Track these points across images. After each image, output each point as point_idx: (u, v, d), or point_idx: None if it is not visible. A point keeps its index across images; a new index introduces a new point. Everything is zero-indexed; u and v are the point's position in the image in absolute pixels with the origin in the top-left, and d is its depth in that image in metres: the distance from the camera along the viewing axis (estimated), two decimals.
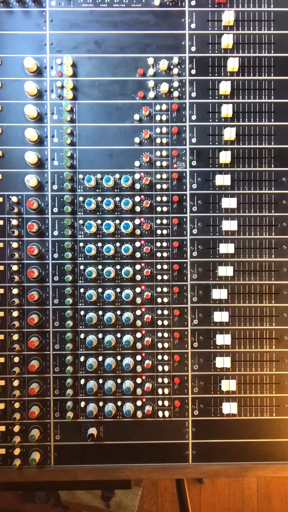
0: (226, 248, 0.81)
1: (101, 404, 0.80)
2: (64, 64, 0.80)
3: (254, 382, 0.82)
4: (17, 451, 0.79)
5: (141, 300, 0.81)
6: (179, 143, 0.81)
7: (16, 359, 0.80)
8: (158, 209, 0.81)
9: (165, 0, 0.81)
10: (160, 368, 0.81)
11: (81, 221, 0.80)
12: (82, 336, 0.81)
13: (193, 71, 0.81)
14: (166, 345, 0.81)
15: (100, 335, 0.80)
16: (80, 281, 0.81)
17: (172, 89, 0.81)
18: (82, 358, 0.80)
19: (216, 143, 0.81)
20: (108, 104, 0.81)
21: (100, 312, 0.80)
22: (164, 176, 0.81)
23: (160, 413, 0.81)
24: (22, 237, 0.80)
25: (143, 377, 0.81)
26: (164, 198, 0.81)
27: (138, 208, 0.81)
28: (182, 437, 0.81)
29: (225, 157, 0.80)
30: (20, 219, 0.80)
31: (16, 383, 0.79)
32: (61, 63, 0.80)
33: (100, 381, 0.80)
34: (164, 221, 0.81)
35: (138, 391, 0.80)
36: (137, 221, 0.81)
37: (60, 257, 0.81)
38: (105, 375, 0.81)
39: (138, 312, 0.81)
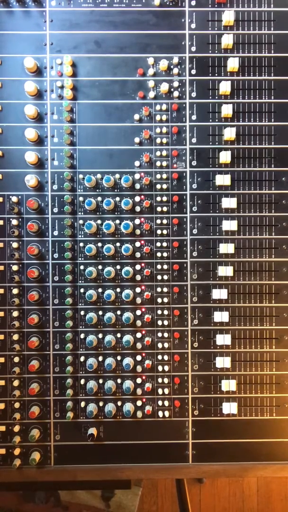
0: (226, 248, 0.81)
1: (101, 404, 0.80)
2: (64, 64, 0.80)
3: (254, 382, 0.82)
4: (17, 451, 0.79)
5: (141, 300, 0.81)
6: (179, 143, 0.81)
7: (16, 359, 0.80)
8: (158, 209, 0.81)
9: (165, 0, 0.81)
10: (160, 368, 0.81)
11: (81, 221, 0.80)
12: (82, 336, 0.81)
13: (193, 71, 0.81)
14: (166, 345, 0.81)
15: (100, 335, 0.80)
16: (80, 281, 0.81)
17: (172, 89, 0.81)
18: (82, 358, 0.80)
19: (216, 143, 0.81)
20: (108, 104, 0.81)
21: (100, 312, 0.80)
22: (164, 176, 0.81)
23: (160, 413, 0.81)
24: (22, 237, 0.80)
25: (143, 377, 0.81)
26: (164, 198, 0.81)
27: (138, 208, 0.81)
28: (182, 437, 0.81)
29: (225, 157, 0.80)
30: (20, 219, 0.80)
31: (16, 383, 0.79)
32: (61, 63, 0.80)
33: (100, 381, 0.80)
34: (164, 221, 0.81)
35: (138, 391, 0.80)
36: (137, 221, 0.81)
37: (60, 257, 0.81)
38: (105, 375, 0.81)
39: (138, 312, 0.81)
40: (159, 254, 0.81)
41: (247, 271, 0.82)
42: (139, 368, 0.80)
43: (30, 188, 0.80)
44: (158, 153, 0.81)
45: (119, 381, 0.81)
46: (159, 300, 0.81)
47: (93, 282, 0.81)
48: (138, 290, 0.81)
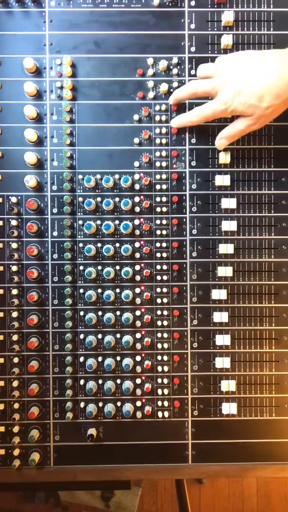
0: (226, 248, 0.81)
1: (100, 404, 0.80)
2: (64, 65, 0.80)
3: (253, 382, 0.82)
4: (16, 452, 0.79)
5: (141, 300, 0.81)
6: (179, 143, 0.81)
7: (16, 360, 0.80)
8: (158, 209, 0.81)
9: (164, 0, 0.81)
10: (159, 368, 0.81)
11: (80, 222, 0.80)
12: (81, 336, 0.81)
13: (193, 72, 0.81)
14: (165, 345, 0.81)
15: (99, 336, 0.80)
16: (80, 282, 0.81)
17: (171, 90, 0.81)
18: (81, 359, 0.80)
19: None
20: (107, 105, 0.81)
21: (100, 313, 0.80)
22: (164, 176, 0.81)
23: (159, 414, 0.81)
24: (21, 237, 0.80)
25: (143, 378, 0.81)
26: (164, 199, 0.81)
27: (137, 209, 0.81)
28: (181, 438, 0.81)
29: (224, 157, 0.80)
30: (19, 220, 0.80)
31: (15, 383, 0.79)
32: (60, 63, 0.80)
33: (100, 381, 0.80)
34: (164, 222, 0.81)
35: (137, 391, 0.80)
36: (136, 222, 0.81)
37: (59, 258, 0.80)
38: (104, 376, 0.81)
39: (138, 313, 0.81)
40: (158, 255, 0.81)
41: (247, 272, 0.82)
42: (138, 369, 0.80)
43: (29, 189, 0.80)
44: (157, 154, 0.81)
45: (118, 381, 0.80)
46: (159, 300, 0.81)
47: (93, 283, 0.81)
48: (137, 290, 0.81)
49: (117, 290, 0.80)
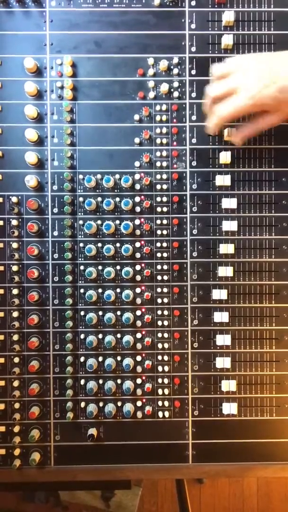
0: (226, 248, 0.81)
1: (101, 404, 0.80)
2: (64, 65, 0.80)
3: (254, 382, 0.82)
4: (17, 452, 0.79)
5: (141, 300, 0.81)
6: (179, 143, 0.81)
7: (16, 360, 0.80)
8: (158, 209, 0.81)
9: (165, 0, 0.81)
10: (160, 368, 0.81)
11: (81, 222, 0.80)
12: (82, 336, 0.81)
13: (193, 72, 0.81)
14: (166, 345, 0.81)
15: (100, 336, 0.80)
16: (80, 282, 0.81)
17: (172, 90, 0.81)
18: (82, 359, 0.80)
19: (216, 143, 0.81)
20: (108, 105, 0.81)
21: (100, 313, 0.80)
22: (164, 176, 0.81)
23: (160, 414, 0.81)
24: (22, 237, 0.80)
25: (143, 378, 0.81)
26: (164, 199, 0.81)
27: (138, 209, 0.81)
28: (182, 438, 0.81)
29: (225, 157, 0.80)
30: (20, 220, 0.80)
31: (16, 383, 0.79)
32: (61, 63, 0.80)
33: (100, 381, 0.80)
34: (164, 222, 0.81)
35: (138, 391, 0.80)
36: (137, 222, 0.81)
37: (60, 258, 0.80)
38: (105, 376, 0.81)
39: (138, 313, 0.81)
40: (159, 255, 0.81)
41: (247, 272, 0.82)
42: (139, 369, 0.80)
43: (30, 189, 0.80)
44: (158, 154, 0.81)
45: (119, 381, 0.80)
46: (159, 300, 0.81)
47: (93, 283, 0.81)
48: (138, 290, 0.81)
49: (118, 290, 0.80)
